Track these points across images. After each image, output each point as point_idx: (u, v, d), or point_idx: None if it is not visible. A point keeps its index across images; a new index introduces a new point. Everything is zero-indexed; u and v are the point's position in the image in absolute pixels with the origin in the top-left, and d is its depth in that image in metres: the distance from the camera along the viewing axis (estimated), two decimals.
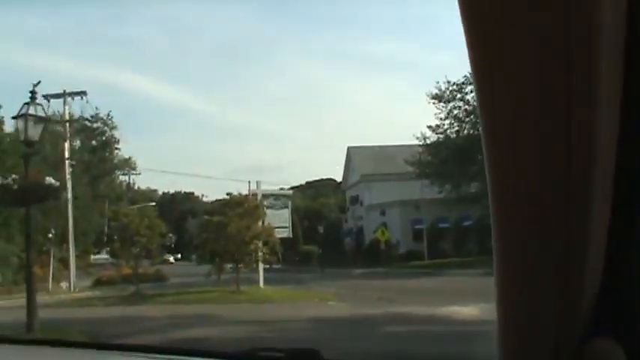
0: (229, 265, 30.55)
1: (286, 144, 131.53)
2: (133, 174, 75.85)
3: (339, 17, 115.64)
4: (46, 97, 46.01)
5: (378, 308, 22.08)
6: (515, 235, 1.29)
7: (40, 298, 33.23)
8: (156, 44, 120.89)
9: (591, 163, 1.18)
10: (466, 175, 52.41)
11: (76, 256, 49.68)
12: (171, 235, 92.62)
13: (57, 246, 45.82)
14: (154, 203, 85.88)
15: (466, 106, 54.20)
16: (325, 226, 74.15)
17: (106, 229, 45.19)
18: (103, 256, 44.58)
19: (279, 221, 33.88)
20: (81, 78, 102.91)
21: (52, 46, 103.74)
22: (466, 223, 58.07)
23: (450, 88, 54.37)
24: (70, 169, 46.94)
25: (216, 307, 23.22)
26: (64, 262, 43.88)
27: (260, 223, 31.23)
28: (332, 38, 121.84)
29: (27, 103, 17.77)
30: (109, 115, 68.63)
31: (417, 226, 59.13)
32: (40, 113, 17.94)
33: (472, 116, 53.57)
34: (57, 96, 46.84)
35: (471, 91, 52.81)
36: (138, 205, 37.20)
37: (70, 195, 45.17)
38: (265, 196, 34.44)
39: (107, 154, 70.68)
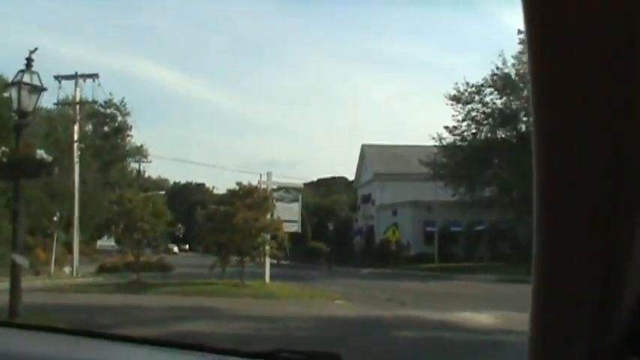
0: (234, 258, 29.50)
1: (299, 140, 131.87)
2: (143, 162, 75.33)
3: (356, 16, 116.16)
4: (57, 78, 45.42)
5: (387, 310, 21.00)
6: (558, 248, 1.26)
7: (40, 281, 33.04)
8: (175, 35, 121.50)
9: None
10: (481, 179, 51.71)
11: (82, 242, 49.08)
12: (180, 225, 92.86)
13: (62, 230, 45.11)
14: (163, 192, 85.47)
15: (484, 109, 53.26)
16: (335, 223, 73.39)
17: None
18: (110, 242, 43.68)
19: (289, 215, 32.72)
20: (98, 65, 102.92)
21: (71, 32, 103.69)
22: (479, 228, 57.52)
23: (469, 90, 53.35)
24: (79, 153, 45.87)
25: (217, 301, 22.17)
26: (69, 247, 43.07)
27: (268, 216, 30.12)
28: (348, 37, 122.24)
29: (22, 71, 16.48)
30: (122, 101, 68.10)
31: (428, 229, 58.24)
32: (36, 82, 16.69)
33: (490, 119, 52.74)
34: (68, 77, 45.91)
35: (490, 94, 52.04)
36: (146, 194, 35.86)
37: (77, 179, 44.20)
38: (275, 188, 33.19)
39: (119, 140, 70.29)
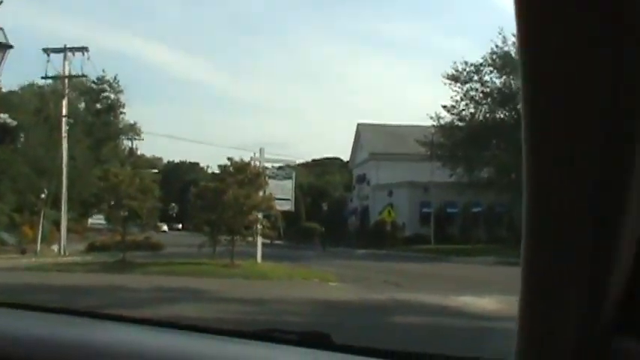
0: (224, 237, 28.44)
1: (295, 121, 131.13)
2: (136, 139, 74.37)
3: None
4: (45, 50, 44.25)
5: (383, 293, 20.06)
6: (546, 230, 1.26)
7: (27, 260, 32.21)
8: (169, 12, 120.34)
9: (631, 155, 1.16)
10: (479, 160, 51.00)
11: (73, 220, 48.23)
12: (174, 204, 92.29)
13: (51, 208, 44.15)
14: (156, 170, 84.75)
15: (483, 88, 52.31)
16: (329, 203, 72.70)
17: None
18: (101, 220, 42.79)
19: (282, 192, 31.53)
20: (91, 42, 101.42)
21: (63, 8, 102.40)
22: (475, 210, 57.40)
23: (468, 69, 52.48)
24: (67, 128, 44.72)
25: (205, 281, 21.19)
26: (58, 225, 42.12)
27: (261, 194, 29.01)
28: (346, 17, 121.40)
29: None
30: (115, 78, 67.67)
31: (424, 210, 57.84)
32: (1, 39, 15.43)
33: (489, 99, 51.82)
34: (57, 50, 44.66)
35: (490, 73, 51.11)
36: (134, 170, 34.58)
37: (65, 154, 43.08)
38: (268, 166, 32.01)
39: (112, 117, 69.51)
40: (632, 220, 1.22)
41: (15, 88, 60.63)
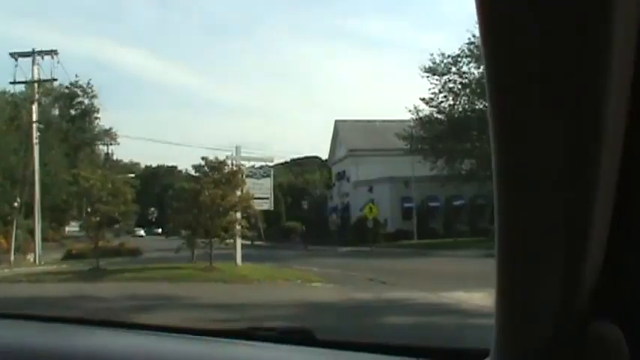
0: (201, 240, 27.30)
1: (272, 120, 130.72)
2: (112, 144, 73.27)
3: None
4: (13, 55, 43.08)
5: (370, 292, 19.12)
6: (518, 219, 1.29)
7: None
8: (144, 17, 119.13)
9: (597, 151, 1.19)
10: (460, 152, 50.20)
11: (50, 228, 47.07)
12: (153, 209, 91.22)
13: (26, 217, 43.01)
14: (133, 175, 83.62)
15: (461, 79, 51.43)
16: (309, 202, 71.90)
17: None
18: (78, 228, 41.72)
19: (260, 191, 30.32)
20: (64, 48, 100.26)
21: (37, 15, 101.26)
22: (457, 203, 56.96)
23: (445, 61, 51.48)
24: (38, 134, 43.49)
25: (182, 287, 20.14)
26: (34, 234, 40.91)
27: (238, 193, 27.87)
28: (320, 15, 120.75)
29: None
30: (88, 83, 66.57)
31: (406, 205, 57.10)
32: None
33: (468, 90, 50.97)
34: (25, 55, 43.47)
35: (468, 63, 50.27)
36: (104, 172, 33.14)
37: (36, 161, 41.91)
38: (245, 164, 30.66)
39: (86, 123, 68.45)
40: (602, 209, 1.25)
41: None
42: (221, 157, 28.56)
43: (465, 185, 50.17)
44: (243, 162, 29.91)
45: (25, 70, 43.42)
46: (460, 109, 52.04)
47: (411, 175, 54.29)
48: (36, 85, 44.04)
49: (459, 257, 34.17)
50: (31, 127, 43.20)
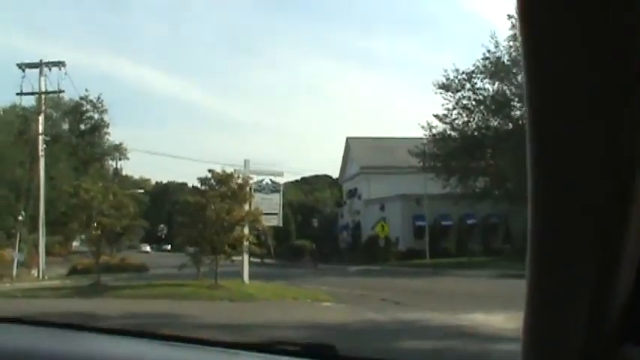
0: (207, 257, 26.20)
1: (283, 139, 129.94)
2: (121, 159, 72.67)
3: (341, 12, 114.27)
4: (20, 66, 42.38)
5: (384, 313, 18.10)
6: (550, 240, 1.28)
7: (0, 286, 30.23)
8: (155, 33, 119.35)
9: (633, 173, 1.19)
10: (474, 169, 49.22)
11: (57, 243, 46.31)
12: (162, 225, 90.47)
13: (31, 231, 42.16)
14: (142, 190, 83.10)
15: (475, 96, 50.38)
16: (320, 220, 70.93)
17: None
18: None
19: (269, 207, 29.25)
20: (75, 63, 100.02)
21: (48, 30, 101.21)
22: (470, 222, 56.29)
23: (459, 77, 50.38)
24: (44, 146, 42.70)
25: (185, 305, 19.12)
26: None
27: (246, 207, 26.80)
28: (333, 33, 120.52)
29: None
30: (99, 97, 66.05)
31: (418, 223, 56.19)
32: None
33: (482, 106, 49.97)
34: (32, 65, 42.75)
35: (482, 79, 49.40)
36: (105, 184, 32.03)
37: (42, 173, 41.08)
38: (253, 177, 29.50)
39: (96, 138, 68.04)
40: (636, 231, 1.22)
41: None
42: (230, 171, 27.47)
43: (478, 204, 49.16)
44: (252, 176, 28.85)
45: (34, 82, 42.80)
46: (474, 126, 51.04)
47: (423, 192, 53.20)
48: (43, 96, 43.10)
49: (473, 277, 33.18)
50: (37, 140, 42.40)
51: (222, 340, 2.84)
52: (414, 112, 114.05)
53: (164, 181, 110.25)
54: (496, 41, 47.56)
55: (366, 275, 37.31)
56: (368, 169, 63.80)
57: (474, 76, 50.19)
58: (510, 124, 48.44)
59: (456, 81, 50.60)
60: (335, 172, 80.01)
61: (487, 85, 49.91)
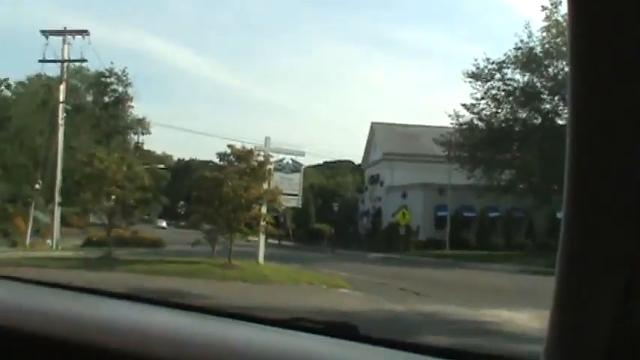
0: (220, 235, 25.40)
1: (307, 122, 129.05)
2: (144, 133, 72.31)
3: (371, 1, 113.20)
4: (44, 32, 41.80)
5: (402, 303, 17.26)
6: (584, 231, 1.31)
7: (13, 253, 29.73)
8: (183, 11, 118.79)
9: None
10: (499, 162, 48.14)
11: (75, 214, 45.91)
12: (183, 202, 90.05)
13: (48, 201, 41.69)
14: (162, 166, 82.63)
15: (505, 87, 49.18)
16: (340, 205, 70.27)
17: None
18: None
19: (289, 187, 28.35)
20: (105, 40, 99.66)
21: (78, 5, 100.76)
22: (493, 215, 55.18)
23: (489, 67, 49.14)
24: (65, 115, 42.13)
25: (195, 283, 18.36)
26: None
27: (265, 186, 25.94)
28: (360, 20, 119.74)
29: None
30: (124, 71, 65.72)
31: (439, 213, 55.23)
32: None
33: (511, 98, 48.84)
34: (56, 33, 42.15)
35: (514, 69, 48.33)
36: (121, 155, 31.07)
37: (60, 142, 40.54)
38: (274, 155, 28.49)
39: (120, 111, 67.87)
40: None
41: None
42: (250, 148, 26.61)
43: (502, 197, 48.11)
44: (272, 154, 27.93)
45: (58, 52, 42.29)
46: (502, 118, 49.91)
47: (447, 182, 52.31)
48: (65, 65, 42.49)
49: (494, 271, 32.15)
50: (57, 108, 41.89)
51: (242, 313, 2.78)
52: (440, 103, 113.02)
53: (186, 159, 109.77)
54: (529, 31, 46.43)
55: (385, 263, 36.41)
56: (391, 155, 62.84)
57: (504, 66, 48.98)
58: (539, 118, 47.46)
59: (486, 70, 49.43)
60: (358, 159, 79.19)
61: (517, 76, 48.74)
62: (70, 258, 26.88)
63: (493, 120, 49.82)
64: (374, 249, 49.31)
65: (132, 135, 72.39)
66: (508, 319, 14.51)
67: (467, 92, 50.88)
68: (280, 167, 28.48)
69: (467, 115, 50.23)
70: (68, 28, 42.44)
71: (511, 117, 49.67)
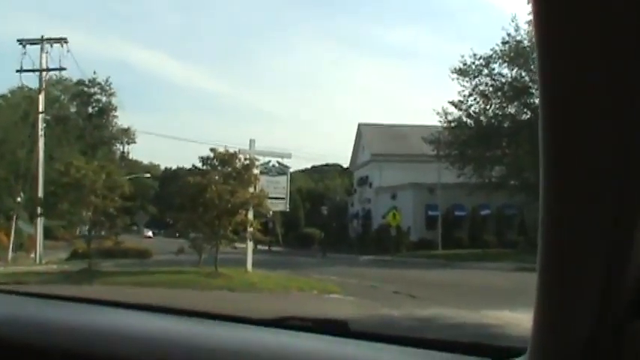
0: (207, 243, 24.51)
1: (294, 127, 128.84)
2: (129, 142, 71.78)
3: (354, 1, 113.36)
4: (20, 42, 40.87)
5: (397, 307, 16.42)
6: (562, 219, 1.32)
7: None
8: (167, 20, 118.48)
9: None
10: (489, 159, 47.53)
11: (62, 227, 45.08)
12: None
13: (32, 212, 40.77)
14: (148, 175, 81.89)
15: (493, 82, 48.47)
16: (329, 208, 69.56)
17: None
18: None
19: (275, 190, 27.44)
20: (89, 51, 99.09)
21: (62, 17, 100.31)
22: (484, 213, 54.82)
23: (477, 62, 48.39)
24: (44, 125, 41.19)
25: (179, 294, 17.51)
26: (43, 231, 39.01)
27: (251, 190, 25.04)
28: (345, 23, 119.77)
29: None
30: (107, 80, 65.12)
31: (430, 213, 54.55)
32: None
33: (499, 93, 48.13)
34: (33, 42, 41.15)
35: (502, 64, 47.65)
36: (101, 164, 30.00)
37: (41, 154, 39.58)
38: (259, 158, 27.52)
39: (104, 121, 67.29)
40: None
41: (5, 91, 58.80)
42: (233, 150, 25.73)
43: (493, 194, 47.41)
44: (257, 156, 26.99)
45: (36, 61, 41.31)
46: (491, 114, 49.23)
47: (437, 181, 51.58)
48: (44, 74, 41.56)
49: (489, 270, 31.58)
50: (46, 123, 41.14)
51: (232, 315, 2.84)
52: (427, 103, 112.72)
53: (173, 167, 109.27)
54: (516, 24, 45.80)
55: (377, 265, 35.74)
56: (380, 156, 62.14)
57: (492, 61, 48.27)
58: (528, 112, 46.72)
59: (474, 66, 48.71)
60: (345, 162, 78.80)
61: (505, 71, 48.02)
62: (51, 272, 26.09)
63: (482, 117, 49.09)
64: (365, 251, 48.77)
65: (117, 145, 71.80)
66: (512, 320, 13.64)
67: (454, 91, 50.08)
68: (266, 170, 27.51)
69: (455, 113, 49.56)
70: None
71: (500, 113, 48.99)
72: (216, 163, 24.81)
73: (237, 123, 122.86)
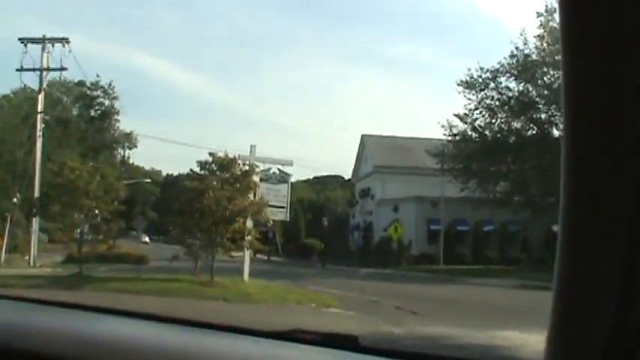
0: (203, 250, 23.77)
1: (296, 138, 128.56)
2: (131, 147, 71.36)
3: (360, 15, 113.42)
4: (22, 40, 40.23)
5: (398, 323, 15.66)
6: (581, 239, 1.31)
7: None
8: (172, 28, 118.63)
9: None
10: (494, 173, 46.75)
11: (59, 230, 44.50)
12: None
13: (28, 214, 40.15)
14: (149, 180, 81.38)
15: (499, 96, 47.76)
16: (330, 219, 68.90)
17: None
18: None
19: (275, 199, 26.67)
20: (94, 57, 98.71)
21: (68, 21, 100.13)
22: (487, 228, 53.96)
23: (483, 76, 47.71)
24: (43, 126, 40.56)
25: (170, 303, 16.74)
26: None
27: (250, 197, 24.31)
28: (349, 36, 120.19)
29: None
30: (110, 84, 64.59)
31: (432, 227, 53.87)
32: None
33: (505, 107, 47.42)
34: (35, 41, 40.51)
35: (508, 78, 46.92)
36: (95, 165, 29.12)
37: (38, 155, 38.94)
38: (259, 165, 26.81)
39: (106, 125, 66.87)
40: None
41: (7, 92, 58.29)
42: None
43: (497, 209, 46.59)
44: (258, 163, 26.26)
45: (37, 62, 40.75)
46: (496, 128, 48.51)
47: (440, 195, 50.89)
48: (44, 74, 40.92)
49: (490, 286, 30.93)
50: (46, 124, 40.63)
51: (239, 327, 2.74)
52: (431, 116, 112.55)
53: (174, 174, 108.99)
54: (525, 38, 45.15)
55: (377, 279, 34.96)
56: (382, 168, 61.40)
57: (499, 75, 47.61)
58: (535, 128, 46.11)
59: (480, 79, 48.05)
60: (347, 174, 78.46)
61: (512, 85, 47.35)
62: (43, 276, 25.45)
63: (487, 131, 48.42)
64: (365, 264, 47.89)
65: (118, 149, 71.28)
66: (522, 342, 12.87)
67: (459, 105, 49.49)
68: (266, 178, 26.74)
69: (460, 126, 48.90)
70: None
71: (505, 127, 48.32)
72: (215, 168, 24.10)
73: (240, 132, 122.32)
